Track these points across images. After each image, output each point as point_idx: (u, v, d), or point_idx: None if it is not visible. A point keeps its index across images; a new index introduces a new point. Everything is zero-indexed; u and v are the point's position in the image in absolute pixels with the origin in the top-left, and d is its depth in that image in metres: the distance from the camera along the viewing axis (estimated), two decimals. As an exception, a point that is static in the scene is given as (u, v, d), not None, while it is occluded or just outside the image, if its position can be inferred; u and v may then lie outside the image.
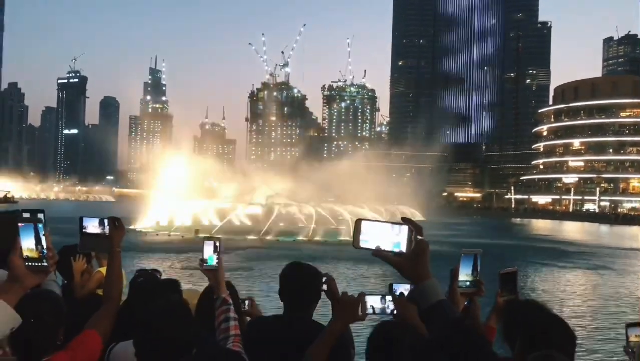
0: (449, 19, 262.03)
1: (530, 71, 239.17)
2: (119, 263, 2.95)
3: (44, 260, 1.85)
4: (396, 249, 1.67)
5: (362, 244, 1.68)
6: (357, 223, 1.67)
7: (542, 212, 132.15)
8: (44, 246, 1.84)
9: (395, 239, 1.67)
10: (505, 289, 3.10)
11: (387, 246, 1.67)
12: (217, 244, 2.87)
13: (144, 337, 2.29)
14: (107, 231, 2.91)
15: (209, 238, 2.90)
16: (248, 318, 3.73)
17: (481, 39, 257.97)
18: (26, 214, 2.57)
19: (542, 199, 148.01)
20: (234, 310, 2.83)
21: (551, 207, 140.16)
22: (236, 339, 2.70)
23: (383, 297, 3.00)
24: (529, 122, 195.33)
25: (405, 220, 1.69)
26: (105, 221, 2.94)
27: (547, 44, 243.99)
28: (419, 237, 1.70)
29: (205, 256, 2.86)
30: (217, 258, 2.86)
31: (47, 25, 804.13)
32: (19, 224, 1.83)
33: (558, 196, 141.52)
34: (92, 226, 2.89)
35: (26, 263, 1.84)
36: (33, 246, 1.83)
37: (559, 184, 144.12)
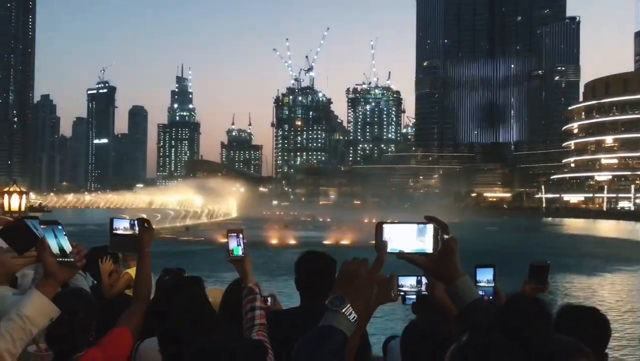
0: (474, 19, 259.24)
1: (559, 68, 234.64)
2: (148, 263, 3.02)
3: (70, 256, 2.08)
4: (422, 250, 1.62)
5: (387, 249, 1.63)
6: (379, 226, 1.62)
7: (575, 211, 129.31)
8: (65, 244, 2.05)
9: (420, 240, 1.62)
10: (534, 280, 3.14)
11: (412, 248, 1.63)
12: (241, 235, 2.99)
13: (165, 330, 2.43)
14: (137, 232, 2.99)
15: (232, 231, 3.01)
16: None
17: (508, 37, 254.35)
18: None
19: (574, 198, 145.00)
20: (261, 299, 2.92)
21: (584, 206, 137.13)
22: (261, 328, 2.76)
23: (419, 278, 3.02)
24: (558, 120, 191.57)
25: (429, 218, 1.64)
26: (135, 222, 3.01)
27: (576, 39, 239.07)
28: (446, 236, 1.64)
29: (231, 247, 2.98)
30: (243, 249, 2.97)
31: (77, 37, 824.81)
32: (42, 226, 2.10)
33: (591, 195, 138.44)
34: (122, 227, 2.97)
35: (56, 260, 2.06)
36: (56, 245, 2.07)
37: (591, 183, 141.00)
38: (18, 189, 8.68)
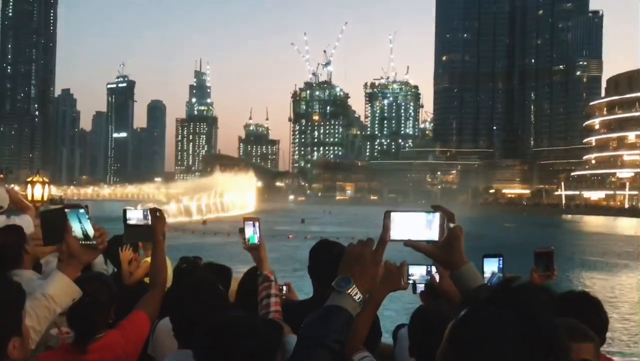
0: (494, 13, 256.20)
1: (581, 63, 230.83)
2: (162, 251, 3.09)
3: (92, 239, 2.16)
4: (429, 238, 1.65)
5: (394, 237, 1.65)
6: (387, 214, 1.64)
7: (595, 208, 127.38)
8: (88, 228, 2.13)
9: (427, 228, 1.64)
10: (540, 267, 3.15)
11: (419, 237, 1.64)
12: (257, 224, 3.03)
13: (175, 313, 2.57)
14: (150, 222, 3.03)
15: (248, 219, 3.04)
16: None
17: (528, 31, 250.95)
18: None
19: (594, 195, 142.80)
20: (276, 287, 3.00)
21: (604, 203, 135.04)
22: (276, 315, 2.85)
23: (429, 269, 3.08)
24: (579, 116, 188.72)
25: (435, 207, 1.67)
26: (148, 212, 3.07)
27: (599, 34, 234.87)
28: (452, 224, 1.67)
29: (247, 235, 3.03)
30: (258, 237, 3.02)
31: (97, 32, 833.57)
32: (66, 210, 2.18)
33: (612, 192, 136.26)
34: (135, 217, 3.03)
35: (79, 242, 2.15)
36: (79, 228, 2.15)
37: (612, 179, 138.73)
38: (41, 180, 8.83)
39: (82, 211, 2.15)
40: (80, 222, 2.14)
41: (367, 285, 1.55)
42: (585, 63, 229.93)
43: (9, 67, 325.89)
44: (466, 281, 1.69)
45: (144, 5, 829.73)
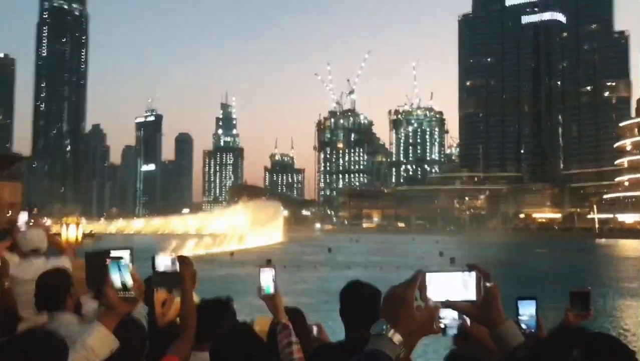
0: (517, 36, 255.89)
1: (609, 84, 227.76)
2: (190, 298, 3.19)
3: (131, 291, 2.21)
4: (466, 298, 1.64)
5: (431, 298, 1.64)
6: (422, 276, 1.62)
7: (630, 232, 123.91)
8: (127, 279, 2.19)
9: (464, 288, 1.64)
10: (576, 307, 3.11)
11: (456, 297, 1.63)
12: (273, 272, 3.05)
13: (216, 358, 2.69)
14: (178, 269, 3.10)
15: (264, 267, 3.06)
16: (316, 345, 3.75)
17: (553, 53, 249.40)
18: (114, 252, 2.93)
19: (629, 218, 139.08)
20: (295, 334, 3.03)
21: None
22: None
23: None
24: (609, 137, 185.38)
25: (471, 267, 1.66)
26: (175, 259, 3.15)
27: (625, 54, 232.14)
28: (488, 284, 1.66)
29: (263, 285, 3.03)
30: (274, 286, 3.04)
31: (125, 69, 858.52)
32: (107, 261, 2.23)
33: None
34: (163, 264, 3.11)
35: (118, 294, 2.22)
36: (118, 279, 2.20)
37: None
38: (75, 221, 9.20)
39: (122, 262, 2.21)
40: (120, 272, 2.21)
41: (406, 328, 1.55)
42: (613, 84, 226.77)
43: (42, 104, 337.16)
44: (506, 340, 1.68)
45: (170, 40, 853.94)
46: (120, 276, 2.21)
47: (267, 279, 3.03)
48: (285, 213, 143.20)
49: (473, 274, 1.63)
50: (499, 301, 1.67)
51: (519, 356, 1.25)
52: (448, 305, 1.65)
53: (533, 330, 2.75)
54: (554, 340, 1.44)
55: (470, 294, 1.63)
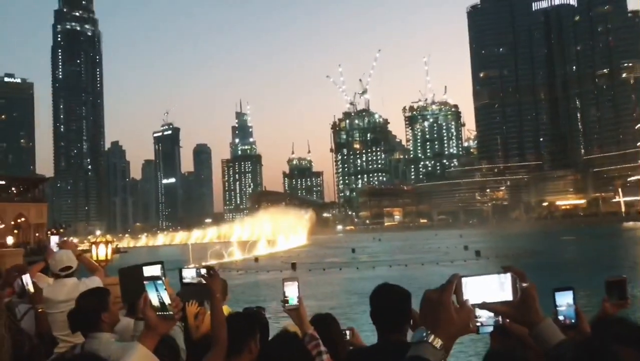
0: (527, 24, 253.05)
1: (626, 64, 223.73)
2: (220, 309, 3.15)
3: (169, 310, 2.22)
4: (503, 300, 1.65)
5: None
6: (458, 280, 1.64)
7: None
8: (165, 298, 2.20)
9: (500, 289, 1.65)
10: (613, 297, 3.10)
11: (493, 299, 1.65)
12: (296, 284, 3.09)
13: None
14: (203, 280, 3.13)
15: (288, 280, 3.09)
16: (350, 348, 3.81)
17: (565, 38, 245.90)
18: (147, 267, 2.98)
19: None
20: (322, 344, 3.08)
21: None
22: None
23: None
24: (630, 119, 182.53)
25: (506, 268, 1.67)
26: (202, 271, 3.16)
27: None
28: (524, 284, 1.68)
29: (287, 296, 3.06)
30: (298, 298, 3.07)
31: (139, 83, 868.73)
32: (144, 282, 2.25)
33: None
34: (189, 276, 3.13)
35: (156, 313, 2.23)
36: (156, 299, 2.21)
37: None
38: (104, 240, 9.41)
39: (160, 282, 2.23)
40: (157, 292, 2.22)
41: (448, 331, 1.56)
42: (630, 64, 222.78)
43: (61, 126, 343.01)
44: (545, 339, 1.70)
45: (182, 53, 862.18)
46: (158, 296, 2.23)
47: (291, 291, 3.05)
48: (307, 216, 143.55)
49: (509, 275, 1.64)
50: (537, 301, 1.68)
51: (569, 356, 1.25)
52: (485, 306, 1.66)
53: (573, 320, 2.75)
54: (597, 334, 1.40)
55: (507, 295, 1.64)
